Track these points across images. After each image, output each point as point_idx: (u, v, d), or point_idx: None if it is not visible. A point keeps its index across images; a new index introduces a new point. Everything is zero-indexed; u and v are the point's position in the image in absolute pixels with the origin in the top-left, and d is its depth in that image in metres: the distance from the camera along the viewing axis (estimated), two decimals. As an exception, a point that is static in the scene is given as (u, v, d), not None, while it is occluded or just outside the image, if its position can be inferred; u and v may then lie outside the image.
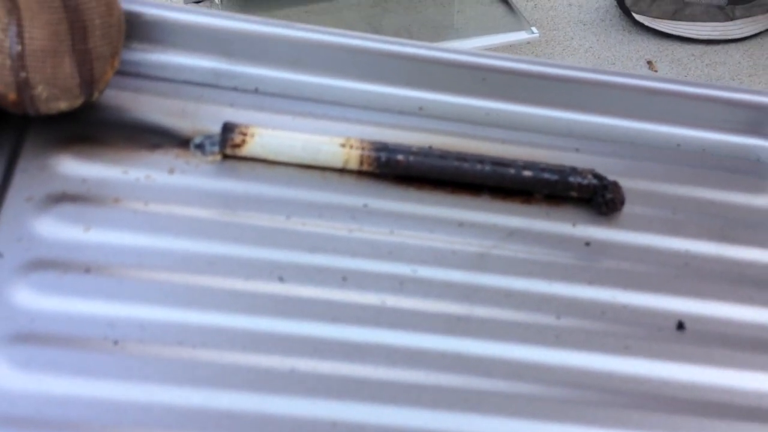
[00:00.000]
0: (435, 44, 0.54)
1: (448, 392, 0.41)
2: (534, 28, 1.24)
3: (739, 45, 1.41)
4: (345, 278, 0.44)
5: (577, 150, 0.54)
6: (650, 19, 1.38)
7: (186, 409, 0.38)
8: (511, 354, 0.43)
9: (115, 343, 0.40)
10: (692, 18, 1.38)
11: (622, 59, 1.35)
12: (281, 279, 0.44)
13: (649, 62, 1.34)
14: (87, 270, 0.42)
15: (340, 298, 0.44)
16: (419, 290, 0.45)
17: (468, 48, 0.52)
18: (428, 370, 0.42)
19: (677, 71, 1.33)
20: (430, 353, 0.43)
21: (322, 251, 0.45)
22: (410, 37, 1.18)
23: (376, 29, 1.20)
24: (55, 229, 0.43)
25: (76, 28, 0.43)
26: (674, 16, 1.38)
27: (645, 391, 0.43)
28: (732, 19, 1.39)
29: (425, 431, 0.40)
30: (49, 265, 0.42)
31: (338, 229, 0.47)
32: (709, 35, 1.40)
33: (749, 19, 1.41)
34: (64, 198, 0.44)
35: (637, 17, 1.38)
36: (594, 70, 0.55)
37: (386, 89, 0.54)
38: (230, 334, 0.41)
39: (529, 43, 1.26)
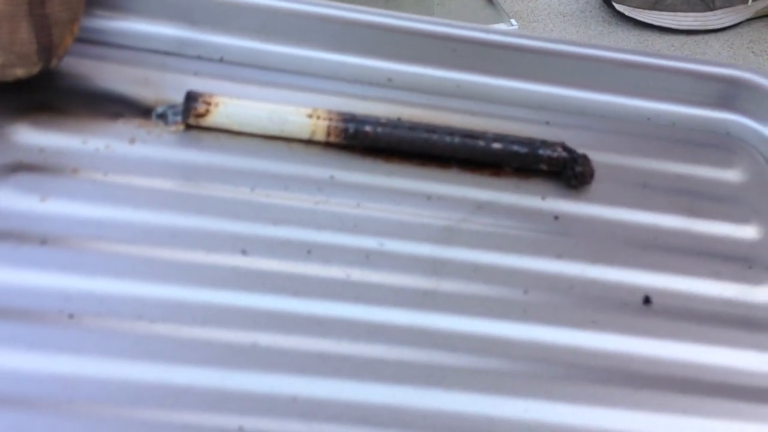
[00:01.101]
0: (405, 14, 0.53)
1: (413, 367, 0.41)
2: (513, 20, 1.23)
3: (719, 35, 1.41)
4: (310, 251, 0.44)
5: (547, 123, 0.54)
6: (631, 9, 1.38)
7: (143, 384, 0.38)
8: (478, 328, 0.43)
9: (71, 316, 0.39)
10: (672, 8, 1.38)
11: None
12: (244, 252, 0.43)
13: None
14: (43, 241, 0.41)
15: (304, 271, 0.43)
16: (385, 264, 0.44)
17: (438, 19, 0.52)
18: (392, 345, 0.41)
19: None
20: (395, 327, 0.42)
21: (287, 224, 0.45)
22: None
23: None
24: (11, 200, 0.42)
25: (33, -8, 0.42)
26: (655, 6, 1.37)
27: (611, 366, 0.43)
28: (712, 10, 1.39)
29: (388, 406, 0.39)
30: (4, 236, 0.41)
31: (304, 201, 0.46)
32: (689, 25, 1.39)
33: (729, 9, 1.41)
34: (21, 167, 0.43)
35: (618, 7, 1.38)
36: (565, 42, 0.55)
37: (355, 59, 0.53)
38: (190, 308, 0.40)
39: None
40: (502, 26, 1.23)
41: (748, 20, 1.44)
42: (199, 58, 0.51)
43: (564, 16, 1.39)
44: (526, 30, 1.34)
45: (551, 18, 1.39)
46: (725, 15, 1.41)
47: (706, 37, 1.40)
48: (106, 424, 0.36)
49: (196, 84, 0.49)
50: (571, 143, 0.51)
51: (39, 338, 0.38)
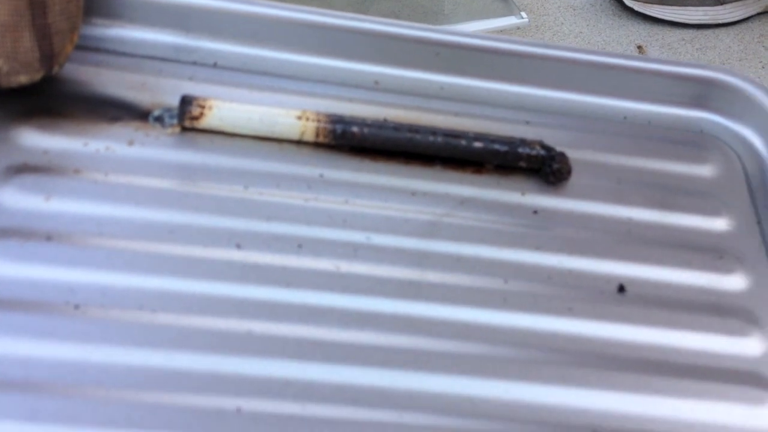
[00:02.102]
0: (390, 20, 0.56)
1: (399, 352, 0.43)
2: (523, 13, 1.24)
3: (730, 29, 1.42)
4: (300, 245, 0.46)
5: (527, 122, 0.56)
6: (641, 3, 1.38)
7: (146, 369, 0.40)
8: (461, 316, 0.45)
9: (76, 307, 0.41)
10: (683, 2, 1.39)
11: (612, 44, 1.35)
12: (238, 246, 0.45)
13: (639, 47, 1.35)
14: (48, 238, 0.43)
15: (296, 264, 0.45)
16: (373, 256, 0.47)
17: (422, 24, 0.54)
18: (380, 332, 0.44)
19: (667, 56, 1.33)
20: (382, 316, 0.44)
21: (279, 220, 0.47)
22: (398, 22, 1.19)
23: (364, 14, 1.21)
24: (17, 199, 0.44)
25: (36, 4, 0.44)
26: (665, 0, 1.38)
27: (587, 350, 0.46)
28: (722, 4, 1.40)
29: (377, 388, 0.42)
30: (11, 233, 0.43)
31: (295, 198, 0.48)
32: (699, 19, 1.40)
33: (739, 3, 1.41)
34: (25, 169, 0.45)
35: (628, 2, 1.38)
36: (543, 45, 0.57)
37: (343, 64, 0.56)
38: (188, 299, 0.43)
39: (519, 28, 1.26)
40: (512, 19, 1.23)
41: (759, 14, 1.45)
42: (194, 63, 0.53)
43: (574, 10, 1.40)
44: (536, 23, 1.34)
45: (561, 11, 1.39)
46: (735, 9, 1.41)
47: (717, 31, 1.41)
48: (112, 407, 0.38)
49: (191, 88, 0.52)
50: (550, 142, 0.54)
51: (47, 327, 0.40)
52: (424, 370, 0.43)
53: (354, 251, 0.47)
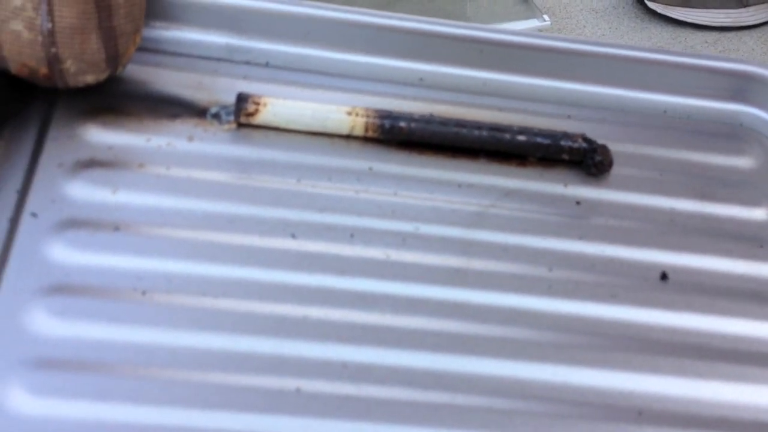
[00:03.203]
0: (435, 18, 0.58)
1: (448, 336, 0.45)
2: (546, 16, 1.24)
3: (753, 32, 1.41)
4: (352, 235, 0.48)
5: (569, 117, 0.58)
6: (663, 6, 1.38)
7: (209, 351, 0.42)
8: (506, 302, 0.47)
9: (144, 293, 0.43)
10: (705, 5, 1.38)
11: None
12: (293, 236, 0.47)
13: None
14: (116, 228, 0.46)
15: (348, 253, 0.47)
16: (421, 245, 0.49)
17: (465, 23, 0.56)
18: (429, 317, 0.46)
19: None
20: (431, 302, 0.46)
21: (331, 211, 0.49)
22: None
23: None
24: (86, 192, 0.47)
25: (103, 7, 0.47)
26: (687, 3, 1.37)
27: (630, 335, 0.47)
28: (745, 6, 1.39)
29: (427, 371, 0.44)
30: (81, 224, 0.45)
31: (345, 190, 0.50)
32: (722, 22, 1.39)
33: (762, 5, 1.40)
34: (93, 163, 0.48)
35: (650, 4, 1.38)
36: (584, 42, 0.59)
37: (389, 61, 0.58)
38: (248, 286, 0.45)
39: (541, 31, 1.27)
40: (534, 22, 1.24)
41: (782, 17, 1.44)
42: (247, 63, 0.56)
43: (596, 13, 1.39)
44: (558, 25, 1.34)
45: (584, 14, 1.39)
46: (758, 12, 1.40)
47: (740, 33, 1.40)
48: (179, 387, 0.41)
49: (245, 87, 0.54)
50: (592, 135, 0.55)
51: (116, 312, 0.43)
52: (474, 354, 0.45)
53: (403, 240, 0.49)
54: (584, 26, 1.37)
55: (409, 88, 0.57)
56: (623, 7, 1.41)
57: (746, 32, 1.40)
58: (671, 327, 0.48)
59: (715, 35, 1.39)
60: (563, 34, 1.29)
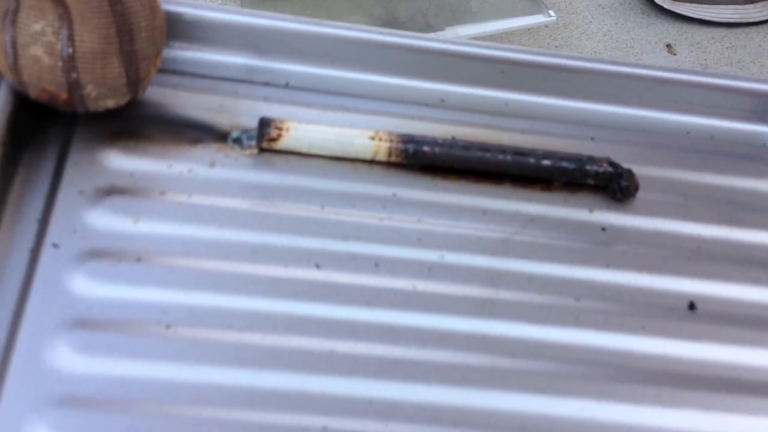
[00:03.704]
0: (455, 38, 0.57)
1: (476, 370, 0.44)
2: (551, 12, 1.23)
3: (760, 28, 1.40)
4: (377, 264, 0.47)
5: (592, 138, 0.57)
6: (670, 1, 1.37)
7: (234, 387, 0.42)
8: (534, 334, 0.46)
9: (167, 327, 0.43)
10: (712, 0, 1.37)
11: (641, 43, 1.34)
12: (318, 266, 0.47)
13: (669, 45, 1.34)
14: (138, 259, 0.45)
15: (374, 283, 0.47)
16: (447, 275, 0.48)
17: (487, 42, 0.55)
18: (456, 350, 0.45)
19: (697, 54, 1.32)
20: (459, 334, 0.46)
21: (355, 239, 0.48)
22: (426, 21, 1.19)
23: (392, 13, 1.21)
24: (107, 221, 0.46)
25: (124, 31, 0.46)
26: None
27: (659, 368, 0.46)
28: (753, 2, 1.39)
29: (455, 407, 0.43)
30: (103, 254, 0.45)
31: (369, 217, 0.49)
32: (729, 18, 1.38)
33: None
34: (114, 191, 0.47)
35: (657, 0, 1.37)
36: (607, 62, 0.58)
37: (409, 82, 0.57)
38: (273, 318, 0.44)
39: (546, 26, 1.25)
40: (540, 17, 1.22)
41: (790, 13, 1.43)
42: (267, 84, 0.55)
43: (603, 8, 1.38)
44: (564, 21, 1.32)
45: (589, 10, 1.38)
46: (765, 8, 1.39)
47: (747, 30, 1.39)
48: (206, 425, 0.40)
49: (266, 109, 0.53)
50: (616, 157, 0.54)
51: (140, 347, 0.42)
52: (501, 389, 0.44)
53: (429, 270, 0.48)
54: (590, 22, 1.36)
55: (429, 109, 0.56)
56: (630, 3, 1.40)
57: (753, 28, 1.40)
58: (701, 359, 0.47)
59: (722, 31, 1.38)
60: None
